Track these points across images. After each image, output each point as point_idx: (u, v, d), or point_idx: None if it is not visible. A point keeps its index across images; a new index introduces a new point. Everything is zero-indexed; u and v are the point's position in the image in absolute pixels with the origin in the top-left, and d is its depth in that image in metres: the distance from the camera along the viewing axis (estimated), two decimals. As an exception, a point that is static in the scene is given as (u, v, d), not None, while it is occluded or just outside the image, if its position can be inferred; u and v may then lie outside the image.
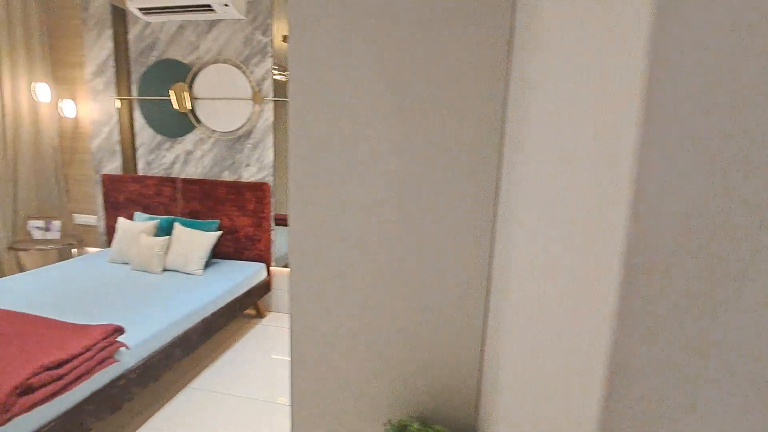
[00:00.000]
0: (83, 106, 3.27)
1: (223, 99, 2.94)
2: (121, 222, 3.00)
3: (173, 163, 3.16)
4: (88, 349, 1.59)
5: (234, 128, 2.96)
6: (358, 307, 0.91)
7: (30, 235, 3.23)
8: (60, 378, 1.47)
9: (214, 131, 3.02)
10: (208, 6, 2.67)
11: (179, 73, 2.99)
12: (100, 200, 3.37)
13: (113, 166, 3.29)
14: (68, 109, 3.23)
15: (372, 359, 0.92)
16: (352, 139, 0.85)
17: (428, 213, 0.84)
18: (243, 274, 2.78)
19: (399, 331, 0.90)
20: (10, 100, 2.98)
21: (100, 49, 3.14)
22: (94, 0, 3.07)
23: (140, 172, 3.25)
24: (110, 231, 3.32)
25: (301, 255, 0.93)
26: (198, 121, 3.03)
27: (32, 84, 3.08)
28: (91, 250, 3.47)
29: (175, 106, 3.00)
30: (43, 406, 1.42)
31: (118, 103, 3.18)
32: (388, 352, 0.91)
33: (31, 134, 3.17)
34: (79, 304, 2.19)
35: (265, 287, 3.01)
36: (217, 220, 2.98)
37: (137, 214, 3.13)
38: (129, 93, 3.16)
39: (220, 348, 2.65)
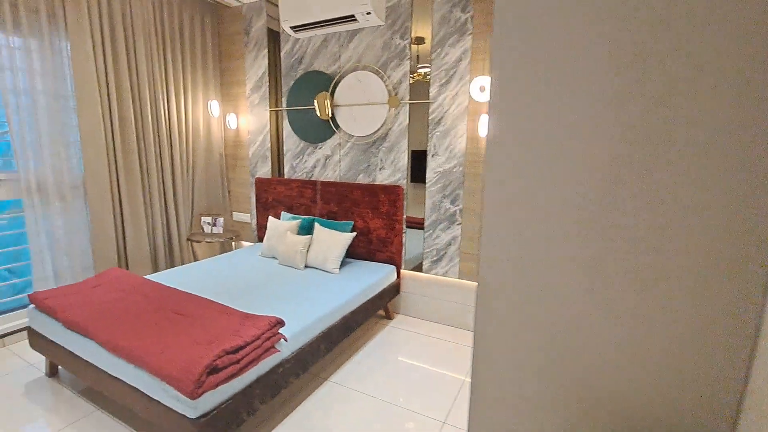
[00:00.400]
0: (242, 119, 3.74)
1: (361, 105, 3.05)
2: (271, 220, 3.33)
3: (314, 167, 3.40)
4: (257, 338, 1.75)
5: (369, 132, 3.06)
6: (565, 333, 0.77)
7: (202, 229, 3.82)
8: (237, 362, 1.64)
9: (351, 136, 3.16)
10: (352, 17, 2.79)
11: (322, 83, 3.20)
12: (253, 200, 3.81)
13: (264, 171, 3.69)
14: (232, 121, 3.73)
15: (582, 398, 0.78)
16: (567, 132, 0.71)
17: (681, 216, 0.65)
18: (376, 275, 2.84)
19: (624, 365, 0.73)
20: (191, 116, 3.56)
21: (257, 68, 3.55)
22: (254, 25, 3.49)
23: (286, 176, 3.59)
24: (260, 228, 3.74)
25: (496, 265, 0.83)
26: (337, 127, 3.21)
27: (208, 102, 3.63)
28: (245, 243, 3.95)
29: (318, 114, 3.22)
30: (224, 385, 1.60)
31: (269, 115, 3.56)
32: (600, 387, 0.76)
33: (204, 144, 3.74)
34: (241, 293, 2.47)
35: (394, 289, 3.03)
36: (352, 222, 3.11)
37: (283, 214, 3.45)
38: (278, 105, 3.51)
39: (354, 346, 2.74)
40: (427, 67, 2.77)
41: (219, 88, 3.79)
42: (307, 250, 3.01)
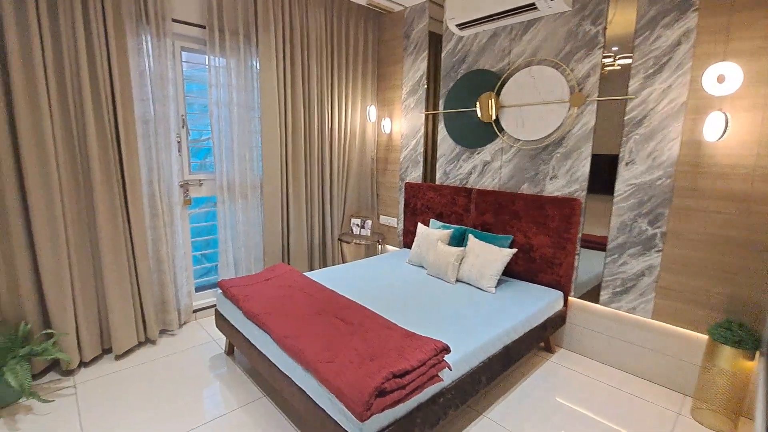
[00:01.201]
0: (396, 123, 3.73)
1: (533, 105, 2.69)
2: (420, 228, 3.22)
3: (469, 173, 3.17)
4: (423, 363, 1.59)
5: (541, 136, 2.67)
6: None
7: (351, 230, 3.95)
8: (403, 387, 1.51)
9: (516, 140, 2.83)
10: (531, 5, 2.46)
11: (487, 82, 2.94)
12: (401, 205, 3.77)
13: (415, 175, 3.61)
14: (386, 126, 3.75)
15: None
16: None
17: None
18: (540, 301, 2.45)
19: None
20: (349, 121, 3.69)
21: (415, 71, 3.48)
22: (415, 27, 3.42)
23: (437, 182, 3.43)
24: (406, 233, 3.67)
25: None
26: (500, 130, 2.91)
27: (367, 107, 3.73)
28: (389, 247, 3.95)
29: (480, 116, 2.98)
30: (390, 410, 1.48)
31: (424, 118, 3.46)
32: None
33: (359, 148, 3.85)
34: (394, 302, 2.37)
35: (560, 319, 2.59)
36: (511, 236, 2.77)
37: (432, 221, 3.31)
38: (435, 108, 3.38)
39: (511, 379, 2.41)
40: (626, 56, 2.27)
41: (375, 93, 3.86)
42: (460, 263, 2.79)
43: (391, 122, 3.77)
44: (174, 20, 2.67)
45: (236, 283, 2.43)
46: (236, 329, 2.30)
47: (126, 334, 2.56)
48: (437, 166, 3.42)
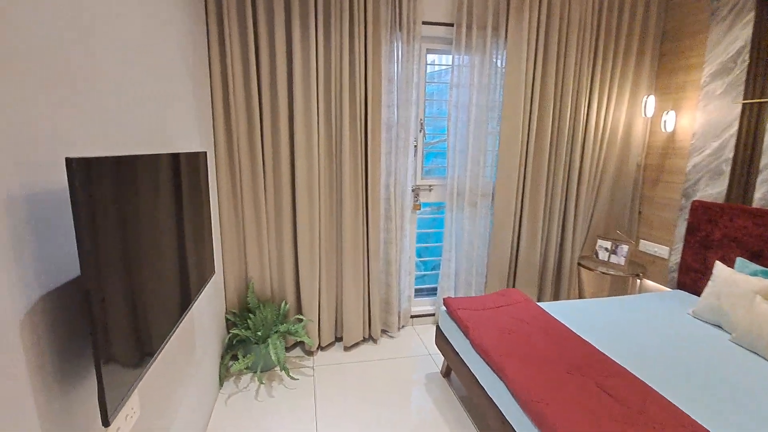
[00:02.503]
0: (684, 118, 2.71)
1: None
2: (720, 269, 2.20)
3: (836, 194, 1.94)
4: None
5: None
6: None
7: (595, 254, 3.16)
8: None
9: None
10: None
11: None
12: (679, 231, 2.74)
13: (712, 192, 2.53)
14: (668, 122, 2.77)
15: None
16: None
17: None
18: None
19: None
20: (611, 117, 2.90)
21: (729, 43, 2.40)
22: (739, -24, 2.34)
23: (756, 203, 2.29)
24: (684, 269, 2.63)
25: None
26: None
27: (643, 98, 2.86)
28: (649, 283, 2.95)
29: None
30: None
31: (740, 110, 2.35)
32: None
33: (619, 152, 3.01)
34: (685, 380, 1.60)
35: None
36: None
37: (740, 262, 2.22)
38: (763, 94, 2.23)
39: None
40: None
41: (654, 78, 2.91)
42: (808, 341, 1.71)
43: (677, 117, 2.76)
44: (423, 22, 2.61)
45: (464, 305, 2.17)
46: (459, 356, 2.04)
47: (355, 327, 2.69)
48: (758, 181, 2.27)
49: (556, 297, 3.10)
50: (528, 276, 2.98)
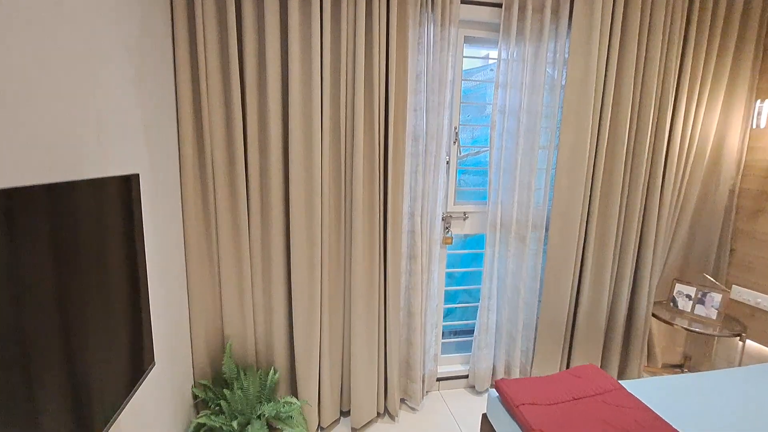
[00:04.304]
0: (805, 129, 2.05)
1: None
2: None
3: None
4: None
5: None
6: None
7: (672, 301, 2.48)
8: None
9: None
10: None
11: None
12: (799, 280, 2.06)
13: None
14: (781, 134, 2.11)
15: None
16: None
17: None
18: None
19: None
20: (699, 128, 2.25)
21: None
22: None
23: None
24: (809, 334, 1.95)
25: None
26: None
27: (754, 102, 2.20)
28: (754, 346, 2.26)
29: None
30: None
31: None
32: None
33: (705, 172, 2.35)
34: None
35: None
36: None
37: None
38: None
39: None
40: None
41: (757, 75, 2.26)
42: None
43: (791, 128, 2.11)
44: (462, 1, 1.99)
45: (526, 396, 1.50)
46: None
47: (367, 400, 2.03)
48: None
49: (624, 362, 2.41)
50: (591, 334, 2.30)
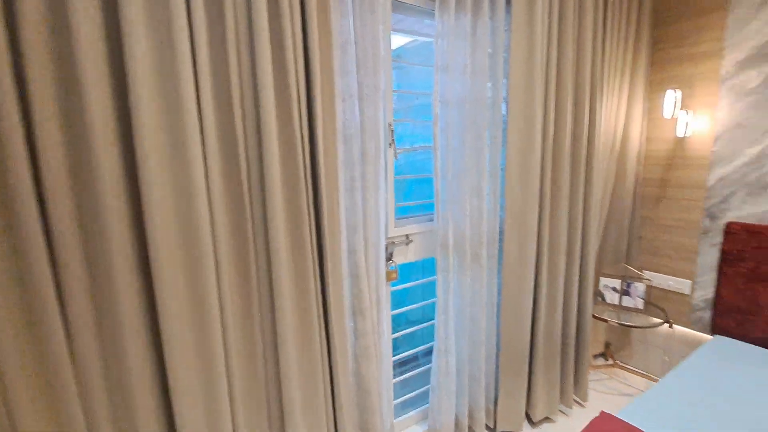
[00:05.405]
0: (698, 120, 2.17)
1: None
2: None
3: None
4: None
5: None
6: None
7: (600, 296, 2.46)
8: None
9: None
10: None
11: None
12: (707, 259, 2.19)
13: (754, 212, 2.01)
14: (690, 124, 2.20)
15: None
16: None
17: None
18: None
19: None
20: (613, 114, 2.21)
21: (764, 22, 1.91)
22: (768, -60, 1.86)
23: (829, 225, 1.81)
24: (723, 310, 2.09)
25: None
26: None
27: (667, 92, 2.19)
28: (681, 331, 2.36)
29: None
30: None
31: (790, 106, 1.86)
32: None
33: (617, 162, 2.35)
34: None
35: None
36: None
37: (827, 303, 1.69)
38: (830, 84, 1.77)
39: None
40: None
41: (649, 68, 2.34)
42: None
43: (687, 118, 2.21)
44: (390, -52, 1.43)
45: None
46: None
47: None
48: (829, 195, 1.80)
49: (579, 371, 2.25)
50: (549, 351, 2.06)
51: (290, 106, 1.12)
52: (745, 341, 2.03)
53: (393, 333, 1.78)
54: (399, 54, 1.98)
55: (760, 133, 1.97)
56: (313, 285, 1.23)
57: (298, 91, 1.14)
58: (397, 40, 2.13)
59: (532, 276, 1.90)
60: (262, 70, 1.06)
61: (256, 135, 1.11)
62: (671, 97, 2.13)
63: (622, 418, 1.41)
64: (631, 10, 2.14)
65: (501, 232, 1.88)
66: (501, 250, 1.89)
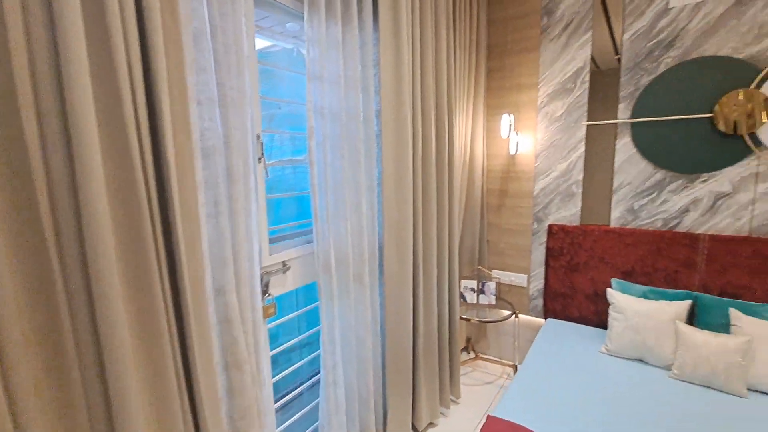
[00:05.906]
0: (526, 139, 2.58)
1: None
2: (618, 297, 2.10)
3: (684, 211, 2.14)
4: None
5: None
6: None
7: (463, 298, 2.68)
8: None
9: (797, 161, 1.88)
10: None
11: (729, 75, 1.95)
12: (537, 256, 2.61)
13: (565, 214, 2.48)
14: (513, 143, 2.57)
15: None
16: None
17: None
18: None
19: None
20: (462, 134, 2.44)
21: (566, 63, 2.38)
22: (564, 1, 2.34)
23: (614, 223, 2.35)
24: (551, 296, 2.52)
25: None
26: (758, 144, 1.93)
27: (504, 116, 2.49)
28: (525, 319, 2.73)
29: (721, 126, 1.98)
30: None
31: (585, 132, 2.37)
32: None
33: (468, 175, 2.61)
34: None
35: None
36: (803, 307, 1.80)
37: (617, 283, 2.21)
38: (610, 115, 2.30)
39: None
40: None
41: (485, 96, 2.67)
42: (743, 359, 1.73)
43: (516, 139, 2.60)
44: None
45: None
46: None
47: None
48: (613, 201, 2.34)
49: (453, 373, 2.37)
50: (428, 358, 2.11)
51: (121, 105, 0.81)
52: (568, 321, 2.48)
53: (273, 376, 1.52)
54: (259, 58, 1.75)
55: (566, 152, 2.44)
56: (168, 345, 0.92)
57: (131, 81, 0.83)
58: (257, 43, 1.89)
59: (411, 288, 1.91)
60: (71, 56, 0.73)
61: (65, 151, 0.76)
62: (506, 120, 2.47)
63: (508, 419, 1.51)
64: (472, 42, 2.41)
65: (380, 248, 1.84)
66: (381, 265, 1.85)
